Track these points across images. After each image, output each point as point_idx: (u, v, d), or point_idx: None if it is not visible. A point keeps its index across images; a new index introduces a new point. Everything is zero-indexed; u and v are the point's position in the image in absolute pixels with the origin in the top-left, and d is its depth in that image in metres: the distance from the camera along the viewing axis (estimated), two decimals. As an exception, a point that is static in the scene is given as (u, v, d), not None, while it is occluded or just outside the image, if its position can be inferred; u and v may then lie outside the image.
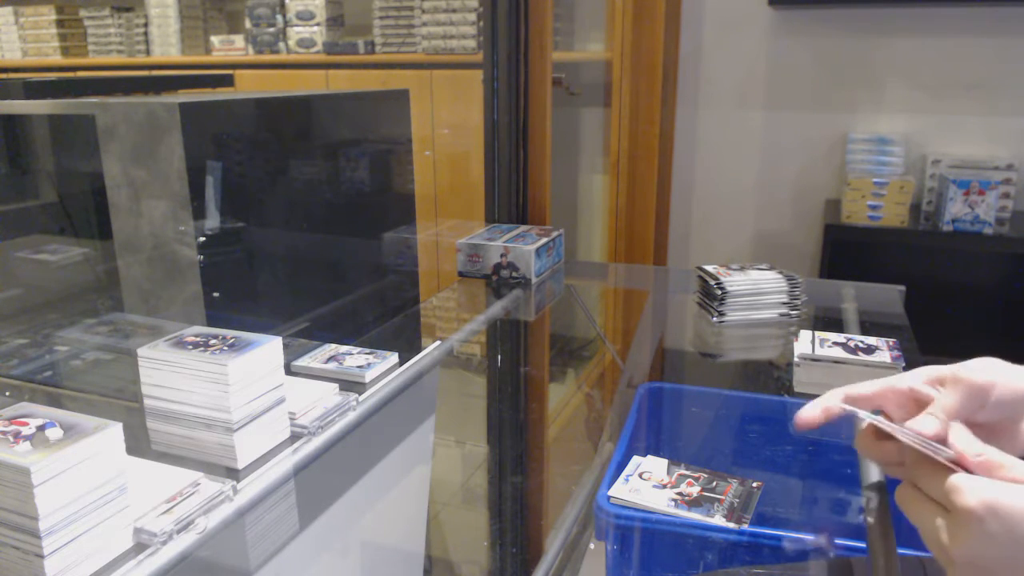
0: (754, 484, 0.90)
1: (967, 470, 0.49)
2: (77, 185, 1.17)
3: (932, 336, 1.43)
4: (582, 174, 2.99)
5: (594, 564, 0.91)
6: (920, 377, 0.57)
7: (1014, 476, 0.48)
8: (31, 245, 1.21)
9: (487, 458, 1.36)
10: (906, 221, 2.36)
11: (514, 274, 1.58)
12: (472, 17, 2.79)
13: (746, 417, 1.16)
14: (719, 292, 1.37)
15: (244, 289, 1.07)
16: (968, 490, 0.47)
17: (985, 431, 0.55)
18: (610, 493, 0.88)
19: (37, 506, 0.57)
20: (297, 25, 3.14)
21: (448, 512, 1.29)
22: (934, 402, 0.55)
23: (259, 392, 0.80)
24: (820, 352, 1.10)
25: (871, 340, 1.16)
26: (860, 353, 1.11)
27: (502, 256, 1.58)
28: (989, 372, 0.54)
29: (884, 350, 1.12)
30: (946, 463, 0.49)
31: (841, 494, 1.06)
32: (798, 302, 1.39)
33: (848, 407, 0.57)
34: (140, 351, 0.79)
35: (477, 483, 1.33)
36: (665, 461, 0.95)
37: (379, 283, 1.40)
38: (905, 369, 1.06)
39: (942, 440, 0.52)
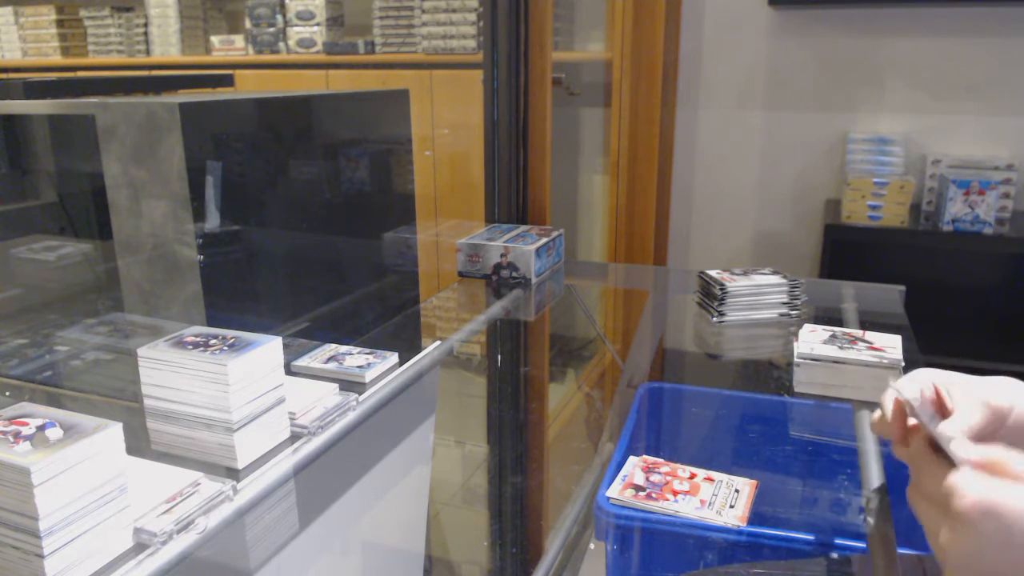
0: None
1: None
2: (77, 185, 1.17)
3: (932, 336, 1.43)
4: (582, 174, 2.99)
5: (594, 564, 0.91)
6: (943, 383, 0.58)
7: (1016, 471, 0.48)
8: (31, 245, 1.21)
9: (487, 458, 1.36)
10: (906, 221, 2.36)
11: (514, 274, 1.58)
12: (472, 17, 2.79)
13: (746, 417, 1.16)
14: (719, 292, 1.38)
15: (244, 289, 1.07)
16: (963, 493, 0.47)
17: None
18: (609, 493, 0.88)
19: (37, 506, 0.57)
20: (297, 25, 3.14)
21: (448, 512, 1.29)
22: (955, 415, 0.55)
23: (259, 392, 0.80)
24: (821, 351, 1.10)
25: (872, 336, 1.16)
26: (861, 347, 1.11)
27: (502, 256, 1.58)
28: (1010, 395, 0.56)
29: (886, 350, 1.12)
30: (950, 458, 0.50)
31: (841, 494, 1.06)
32: (798, 302, 1.39)
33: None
34: (140, 351, 0.79)
35: (477, 483, 1.33)
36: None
37: (379, 283, 1.40)
38: (905, 370, 1.06)
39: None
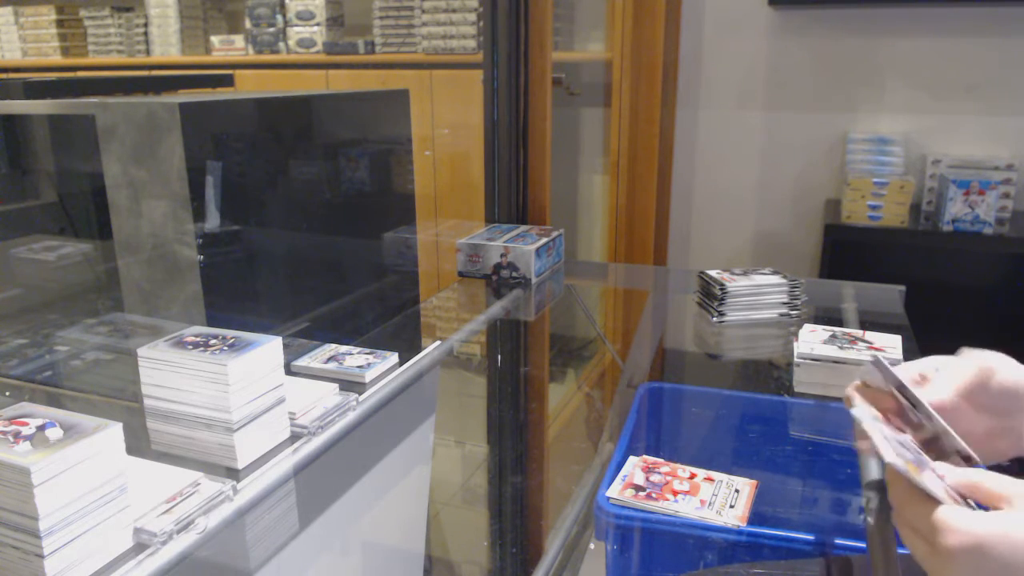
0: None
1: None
2: (77, 185, 1.17)
3: (932, 336, 1.43)
4: (582, 174, 2.99)
5: (594, 564, 0.91)
6: (929, 364, 0.60)
7: (999, 493, 0.47)
8: (30, 245, 1.21)
9: (487, 458, 1.36)
10: (906, 221, 2.36)
11: (514, 274, 1.58)
12: (472, 17, 2.79)
13: (746, 417, 1.16)
14: (719, 292, 1.38)
15: (244, 289, 1.07)
16: (948, 531, 0.45)
17: (984, 431, 0.56)
18: (609, 493, 0.88)
19: (37, 506, 0.57)
20: (297, 25, 3.14)
21: (448, 512, 1.29)
22: (942, 375, 0.57)
23: (259, 392, 0.80)
24: (821, 351, 1.10)
25: (872, 336, 1.16)
26: (861, 347, 1.11)
27: (502, 256, 1.58)
28: (992, 358, 0.58)
29: (886, 349, 1.12)
30: (929, 491, 0.48)
31: (841, 494, 1.06)
32: (798, 302, 1.39)
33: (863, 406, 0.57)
34: (140, 351, 0.79)
35: (477, 483, 1.33)
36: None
37: (379, 283, 1.40)
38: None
39: (943, 411, 0.54)
